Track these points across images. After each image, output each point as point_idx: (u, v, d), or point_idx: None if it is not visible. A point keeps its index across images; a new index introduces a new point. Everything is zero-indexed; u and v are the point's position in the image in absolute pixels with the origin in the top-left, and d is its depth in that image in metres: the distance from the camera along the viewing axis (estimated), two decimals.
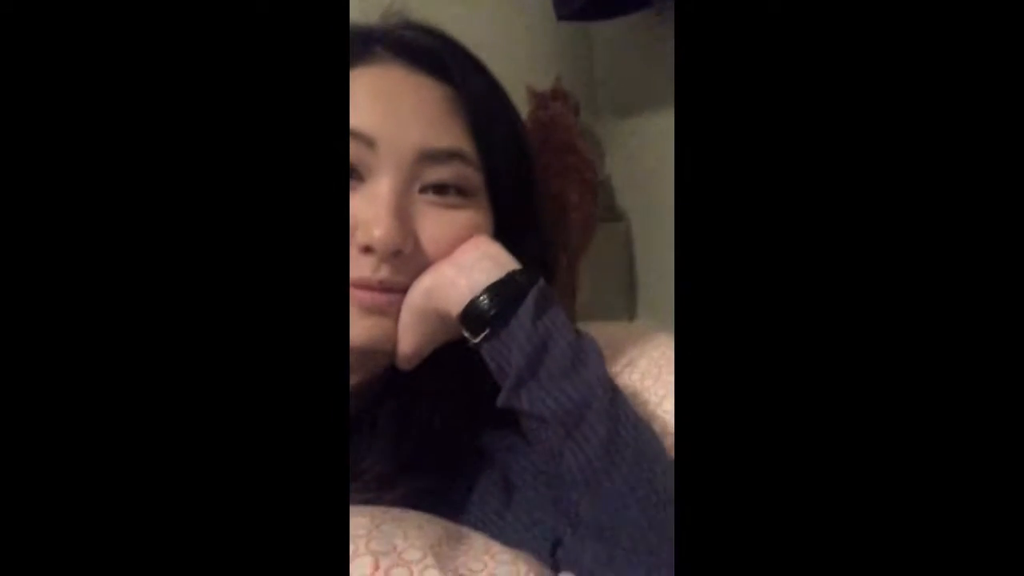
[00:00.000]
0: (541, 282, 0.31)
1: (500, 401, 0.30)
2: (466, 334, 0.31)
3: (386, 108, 0.33)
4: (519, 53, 1.06)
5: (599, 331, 0.58)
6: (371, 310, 0.32)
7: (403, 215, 0.32)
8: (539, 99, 1.00)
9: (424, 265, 0.33)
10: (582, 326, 0.64)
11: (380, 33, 0.36)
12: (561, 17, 0.94)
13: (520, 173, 0.37)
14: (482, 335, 0.30)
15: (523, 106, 1.02)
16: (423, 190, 0.33)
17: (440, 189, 0.34)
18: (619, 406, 0.30)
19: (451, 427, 0.36)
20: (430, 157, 0.33)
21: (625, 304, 1.19)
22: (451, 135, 0.34)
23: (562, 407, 0.28)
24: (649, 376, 0.45)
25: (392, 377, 0.35)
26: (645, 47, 0.97)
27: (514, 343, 0.29)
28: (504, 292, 0.30)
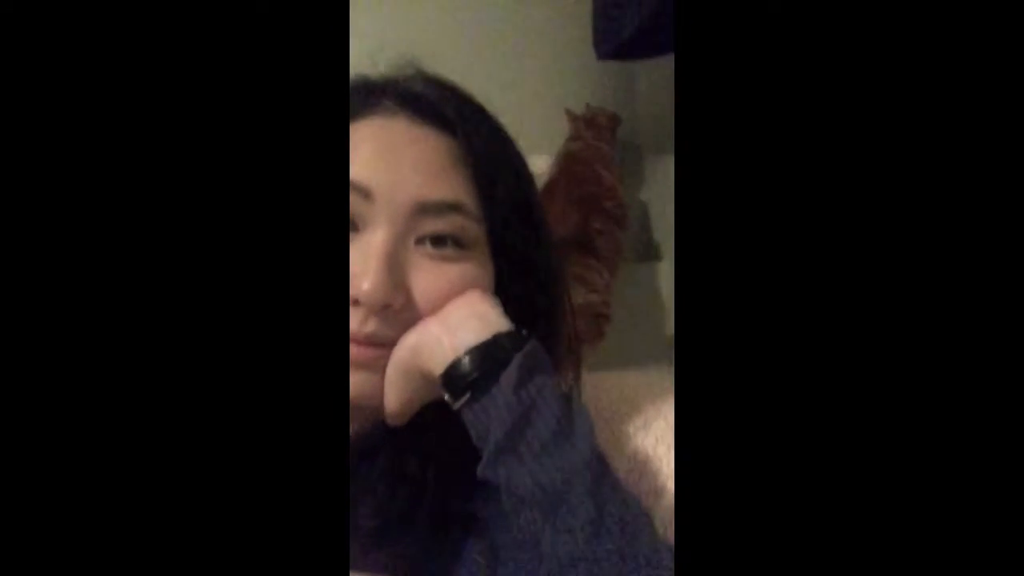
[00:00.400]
0: (530, 345, 0.30)
1: (478, 473, 0.28)
2: (446, 397, 0.30)
3: (386, 160, 0.32)
4: (559, 91, 1.06)
5: (618, 382, 0.55)
6: (358, 364, 0.31)
7: (395, 268, 0.31)
8: (573, 126, 1.02)
9: (415, 320, 0.32)
10: (603, 375, 0.61)
11: (389, 85, 0.36)
12: (601, 56, 0.93)
13: (524, 225, 0.36)
14: (462, 400, 0.29)
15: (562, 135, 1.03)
16: (420, 241, 0.32)
17: (437, 241, 0.33)
18: (606, 487, 0.27)
19: (442, 486, 0.34)
20: (427, 209, 0.32)
21: (662, 349, 1.14)
22: (450, 187, 0.33)
23: (541, 487, 0.26)
24: (663, 442, 0.42)
25: (384, 432, 0.34)
26: None
27: (494, 412, 0.28)
28: (488, 355, 0.29)
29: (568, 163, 1.00)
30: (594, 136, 1.01)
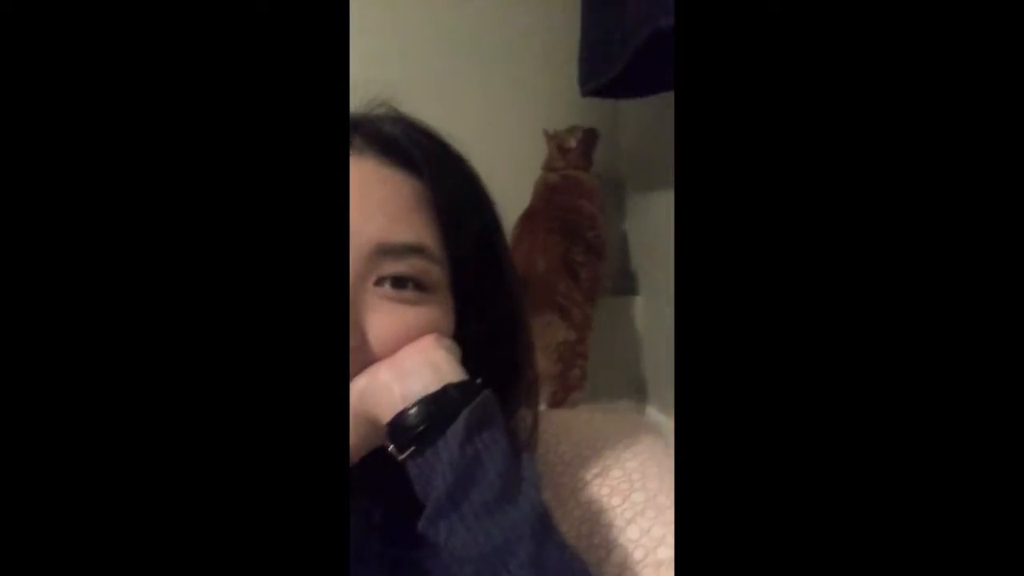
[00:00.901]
0: (480, 397, 0.29)
1: (419, 528, 0.28)
2: (391, 448, 0.29)
3: (350, 200, 0.32)
4: (544, 123, 1.07)
5: (583, 422, 0.55)
6: None
7: (351, 309, 0.30)
8: (549, 150, 1.02)
9: (369, 362, 0.31)
10: (570, 413, 0.61)
11: (359, 123, 0.35)
12: (586, 92, 0.95)
13: (488, 269, 0.36)
14: (407, 452, 0.28)
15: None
16: (380, 282, 0.32)
17: (398, 283, 0.32)
18: (548, 549, 0.27)
19: (389, 530, 0.33)
20: (388, 251, 0.32)
21: (635, 383, 1.14)
22: (414, 229, 0.33)
23: (481, 549, 0.26)
24: (618, 493, 0.41)
25: None
26: (668, 124, 0.97)
27: (438, 467, 0.27)
28: (436, 407, 0.28)
29: (548, 192, 1.00)
30: (570, 163, 1.01)
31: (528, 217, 0.99)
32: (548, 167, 1.04)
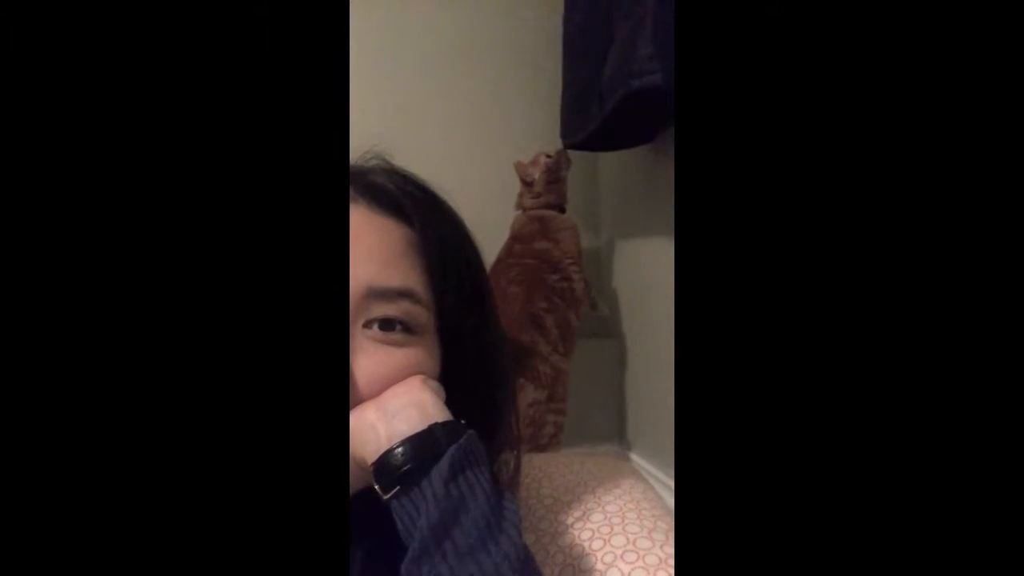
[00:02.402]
0: (465, 438, 0.30)
1: (402, 570, 0.28)
2: (376, 487, 0.29)
3: None
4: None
5: (564, 467, 0.55)
6: None
7: None
8: (521, 186, 0.99)
9: (357, 403, 0.32)
10: (552, 457, 0.61)
11: (353, 174, 0.37)
12: (568, 145, 0.99)
13: (473, 314, 0.37)
14: (392, 492, 0.28)
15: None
16: (368, 324, 0.33)
17: (386, 324, 0.33)
18: None
19: (373, 567, 0.33)
20: (378, 295, 0.33)
21: (614, 425, 1.14)
22: (402, 274, 0.34)
23: None
24: (599, 536, 0.41)
25: None
26: (646, 176, 1.02)
27: (422, 507, 0.27)
28: (422, 447, 0.29)
29: (509, 241, 0.97)
30: (536, 197, 0.96)
31: (493, 268, 0.95)
32: (519, 205, 1.00)
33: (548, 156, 0.98)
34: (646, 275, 1.03)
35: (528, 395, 0.88)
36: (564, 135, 1.00)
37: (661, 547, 0.40)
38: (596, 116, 0.88)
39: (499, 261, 0.96)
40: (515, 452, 0.40)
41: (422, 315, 0.34)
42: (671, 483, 0.92)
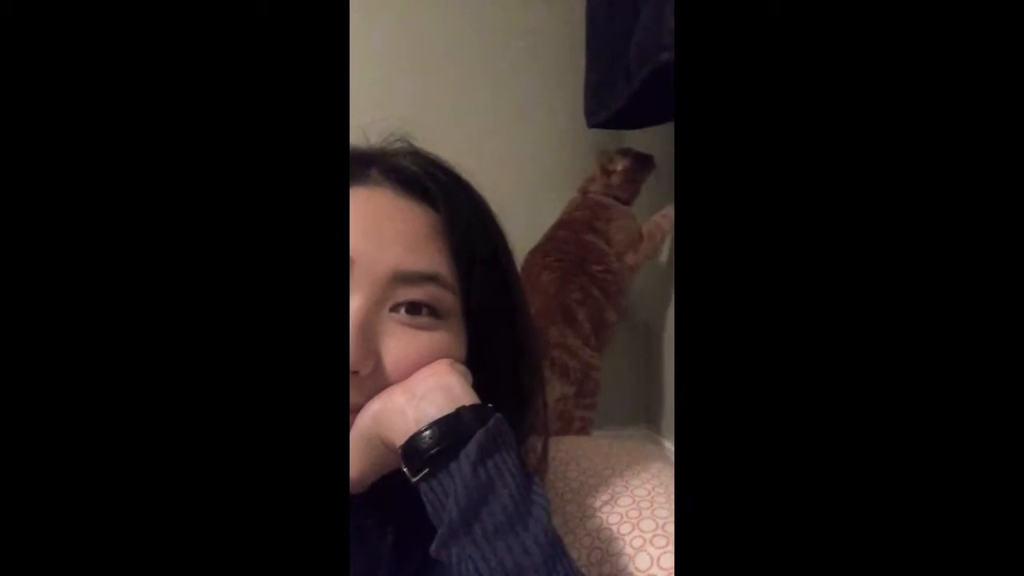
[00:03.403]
0: (493, 421, 0.30)
1: (431, 551, 0.28)
2: (405, 470, 0.29)
3: (369, 229, 0.33)
4: (550, 158, 1.10)
5: (591, 449, 0.55)
6: None
7: (367, 335, 0.31)
8: (593, 173, 0.97)
9: (383, 386, 0.32)
10: (578, 440, 0.61)
11: (377, 157, 0.37)
12: (592, 124, 0.97)
13: (500, 297, 0.37)
14: (420, 474, 0.29)
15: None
16: (395, 308, 0.33)
17: (413, 308, 0.33)
18: (559, 572, 0.27)
19: (398, 556, 0.33)
20: (404, 279, 0.33)
21: (647, 409, 1.14)
22: (428, 258, 0.34)
23: (492, 571, 0.26)
24: (628, 521, 0.41)
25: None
26: (671, 153, 0.99)
27: (451, 489, 0.28)
28: (450, 430, 0.29)
29: (555, 225, 0.96)
30: (609, 187, 0.94)
31: (531, 253, 0.92)
32: (583, 188, 0.97)
33: (639, 153, 0.96)
34: (670, 253, 1.02)
35: (556, 390, 0.85)
36: (588, 114, 0.98)
37: None
38: (623, 93, 0.85)
39: (538, 247, 0.92)
40: (542, 436, 0.40)
41: (448, 299, 0.34)
42: None
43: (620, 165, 0.95)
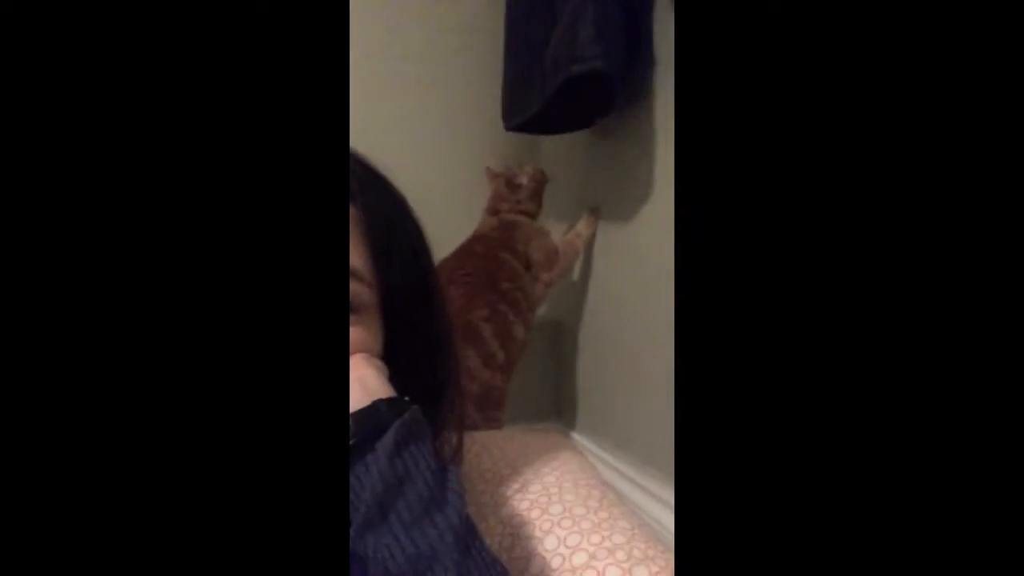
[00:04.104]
0: (409, 413, 0.30)
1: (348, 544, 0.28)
2: None
3: None
4: (469, 157, 1.11)
5: (504, 442, 0.57)
6: None
7: None
8: (494, 191, 0.98)
9: None
10: (492, 434, 0.62)
11: None
12: (509, 128, 1.00)
13: (416, 293, 0.38)
14: None
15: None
16: None
17: None
18: (473, 558, 0.28)
19: None
20: None
21: (552, 405, 1.18)
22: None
23: (408, 559, 0.27)
24: (537, 506, 0.43)
25: None
26: (586, 159, 1.04)
27: (367, 480, 0.28)
28: (366, 422, 0.29)
29: (471, 239, 0.95)
30: (518, 202, 0.95)
31: (444, 261, 0.89)
32: (493, 208, 0.98)
33: (536, 168, 0.98)
34: (581, 257, 1.06)
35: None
36: (505, 117, 1.00)
37: (595, 512, 0.42)
38: (537, 99, 0.88)
39: (452, 256, 0.91)
40: (457, 429, 0.41)
41: (365, 293, 0.34)
42: (607, 457, 0.97)
43: (525, 179, 0.97)
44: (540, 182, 1.00)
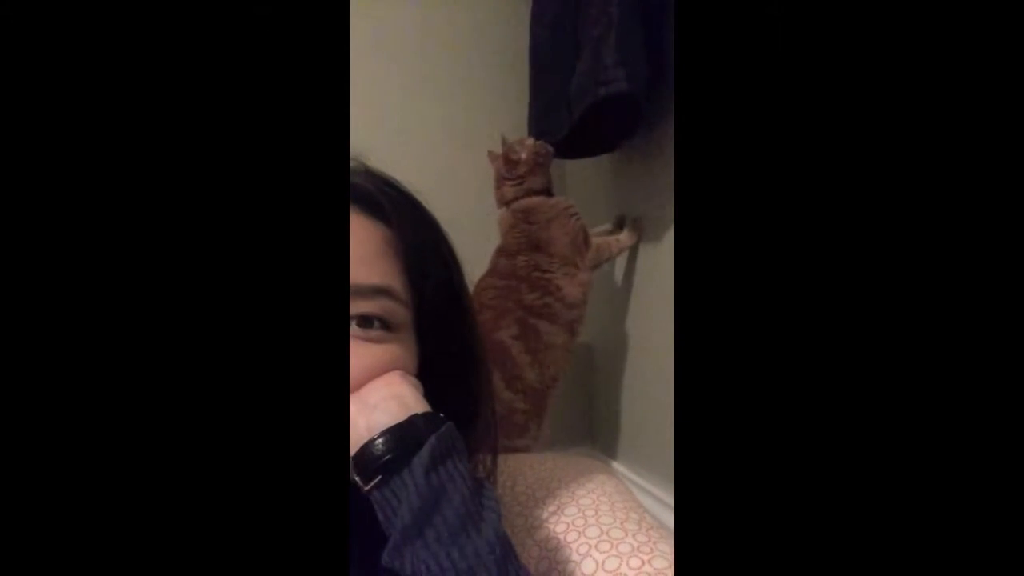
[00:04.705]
0: (445, 428, 0.31)
1: (383, 560, 0.28)
2: (356, 479, 0.30)
3: None
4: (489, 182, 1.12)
5: (536, 464, 0.56)
6: None
7: None
8: (496, 175, 0.93)
9: None
10: (524, 456, 0.62)
11: None
12: None
13: (450, 311, 0.38)
14: (373, 482, 0.29)
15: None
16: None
17: (364, 321, 0.34)
18: (510, 575, 0.28)
19: (355, 560, 0.33)
20: (356, 292, 0.33)
21: (584, 430, 1.16)
22: (381, 272, 0.35)
23: (444, 575, 0.26)
24: (574, 529, 0.42)
25: None
26: (611, 182, 1.05)
27: (403, 495, 0.28)
28: (402, 437, 0.29)
29: (496, 253, 0.91)
30: (517, 184, 0.89)
31: (478, 283, 0.87)
32: (498, 196, 0.92)
33: (535, 141, 0.91)
34: (612, 282, 1.06)
35: (508, 397, 0.83)
36: None
37: (634, 536, 0.41)
38: (564, 125, 0.90)
39: (481, 279, 0.88)
40: (491, 449, 0.41)
41: (400, 312, 0.35)
42: (643, 483, 0.94)
43: (524, 153, 0.89)
44: (542, 154, 0.89)
